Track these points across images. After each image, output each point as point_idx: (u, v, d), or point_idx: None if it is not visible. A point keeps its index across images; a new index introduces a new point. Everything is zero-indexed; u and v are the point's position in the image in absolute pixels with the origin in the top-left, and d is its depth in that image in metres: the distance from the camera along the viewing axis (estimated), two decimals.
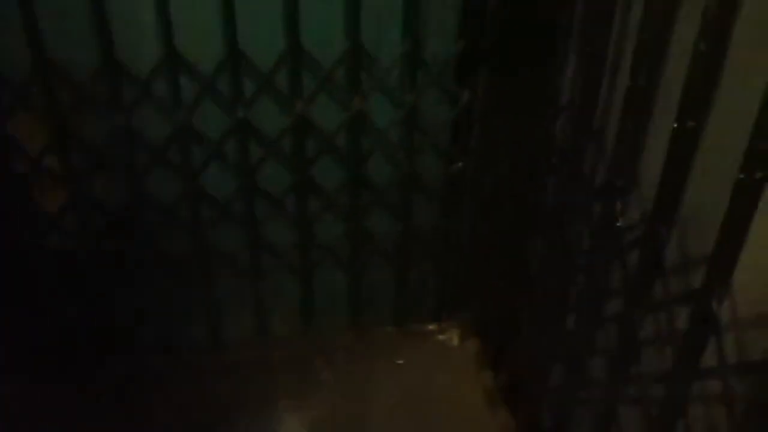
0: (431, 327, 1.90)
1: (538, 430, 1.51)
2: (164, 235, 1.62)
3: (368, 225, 1.70)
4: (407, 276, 1.81)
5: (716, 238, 0.90)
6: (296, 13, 1.40)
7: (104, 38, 1.36)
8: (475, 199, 1.68)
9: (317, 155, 1.58)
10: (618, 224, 1.13)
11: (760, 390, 0.89)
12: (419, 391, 1.70)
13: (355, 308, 1.83)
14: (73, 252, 1.57)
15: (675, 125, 0.95)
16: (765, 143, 0.81)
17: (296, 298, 1.78)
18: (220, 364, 1.74)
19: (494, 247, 1.65)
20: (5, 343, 1.57)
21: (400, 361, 1.79)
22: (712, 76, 0.89)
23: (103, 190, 1.53)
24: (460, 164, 1.65)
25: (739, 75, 0.87)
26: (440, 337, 1.89)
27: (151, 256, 1.62)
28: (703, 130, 0.93)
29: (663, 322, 1.08)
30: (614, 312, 1.18)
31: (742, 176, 0.84)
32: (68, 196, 1.50)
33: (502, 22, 1.45)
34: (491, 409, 1.66)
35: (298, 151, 1.57)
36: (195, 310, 1.73)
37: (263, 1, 1.40)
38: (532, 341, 1.50)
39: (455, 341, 1.87)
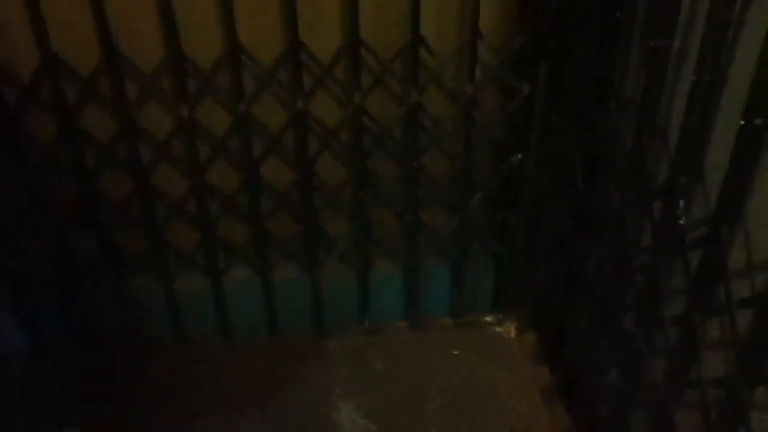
0: (488, 319, 1.89)
1: (594, 428, 1.49)
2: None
3: (424, 217, 1.71)
4: (463, 268, 1.81)
5: None
6: (356, 5, 1.41)
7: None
8: (533, 193, 1.66)
9: (372, 148, 1.59)
10: (680, 223, 1.10)
11: None
12: (474, 382, 1.70)
13: (412, 300, 1.84)
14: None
15: (741, 122, 0.92)
16: None
17: (353, 289, 1.80)
18: (276, 351, 1.79)
19: (550, 241, 1.62)
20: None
21: (456, 352, 1.79)
22: None
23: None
24: (519, 156, 1.63)
25: None
26: (497, 329, 1.88)
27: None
28: None
29: (726, 325, 1.04)
30: (674, 313, 1.14)
31: None
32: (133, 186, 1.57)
33: (564, 14, 1.42)
34: (546, 404, 1.64)
35: (354, 143, 1.58)
36: (253, 300, 1.78)
37: None
38: (589, 339, 1.48)
39: (512, 334, 1.86)
